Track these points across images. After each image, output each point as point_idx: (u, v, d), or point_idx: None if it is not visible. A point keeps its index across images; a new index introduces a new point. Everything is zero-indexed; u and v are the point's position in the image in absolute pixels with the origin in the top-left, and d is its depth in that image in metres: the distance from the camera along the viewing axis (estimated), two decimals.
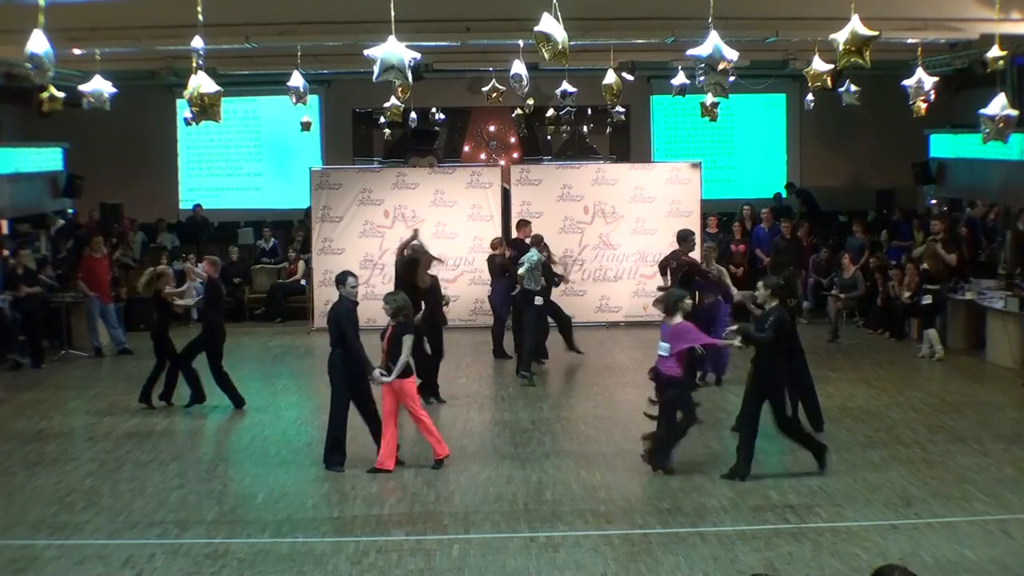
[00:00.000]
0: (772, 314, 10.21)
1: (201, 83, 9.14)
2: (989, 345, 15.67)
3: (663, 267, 14.23)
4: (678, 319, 10.27)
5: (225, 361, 13.36)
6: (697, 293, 13.97)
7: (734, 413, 12.69)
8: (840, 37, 9.18)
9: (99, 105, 12.95)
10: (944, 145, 21.92)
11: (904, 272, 17.26)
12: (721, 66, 8.72)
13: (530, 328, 14.69)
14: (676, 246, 14.26)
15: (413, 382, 10.71)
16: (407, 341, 10.43)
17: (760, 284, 10.70)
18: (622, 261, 18.92)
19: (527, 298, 14.65)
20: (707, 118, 17.84)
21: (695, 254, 14.81)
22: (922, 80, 12.76)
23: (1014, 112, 10.90)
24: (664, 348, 10.21)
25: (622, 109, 20.89)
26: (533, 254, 14.70)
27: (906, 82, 12.89)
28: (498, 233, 18.27)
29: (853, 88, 15.38)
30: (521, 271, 14.54)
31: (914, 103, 13.29)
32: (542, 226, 18.23)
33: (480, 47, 17.08)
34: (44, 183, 21.83)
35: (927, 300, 16.28)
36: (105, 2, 12.83)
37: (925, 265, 16.79)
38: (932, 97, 13.19)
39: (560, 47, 8.30)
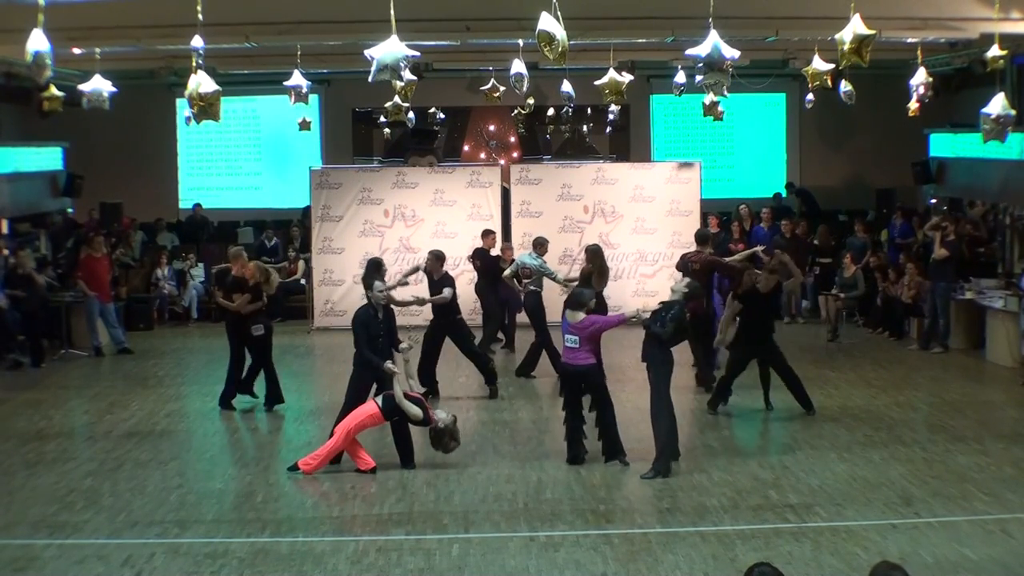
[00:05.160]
0: (673, 308, 10.60)
1: (201, 83, 9.15)
2: (989, 345, 15.67)
3: (681, 268, 14.20)
4: (581, 315, 10.49)
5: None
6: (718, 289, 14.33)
7: (730, 413, 12.72)
8: (845, 36, 9.17)
9: (99, 105, 12.95)
10: (944, 145, 21.88)
11: (904, 271, 17.28)
12: (723, 66, 8.70)
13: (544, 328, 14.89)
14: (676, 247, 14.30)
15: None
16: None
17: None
18: (622, 261, 18.89)
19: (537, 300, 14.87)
20: (710, 117, 17.81)
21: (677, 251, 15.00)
22: (917, 80, 12.76)
23: (1013, 111, 10.90)
24: (573, 340, 10.50)
25: (614, 108, 20.85)
26: (525, 256, 15.05)
27: (912, 80, 12.88)
28: (498, 232, 18.22)
29: (848, 87, 15.34)
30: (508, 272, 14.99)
31: (914, 103, 13.28)
32: (542, 226, 18.26)
33: (480, 47, 17.07)
34: (44, 183, 21.77)
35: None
36: (105, 2, 12.83)
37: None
38: (926, 98, 13.18)
39: (560, 48, 8.30)
